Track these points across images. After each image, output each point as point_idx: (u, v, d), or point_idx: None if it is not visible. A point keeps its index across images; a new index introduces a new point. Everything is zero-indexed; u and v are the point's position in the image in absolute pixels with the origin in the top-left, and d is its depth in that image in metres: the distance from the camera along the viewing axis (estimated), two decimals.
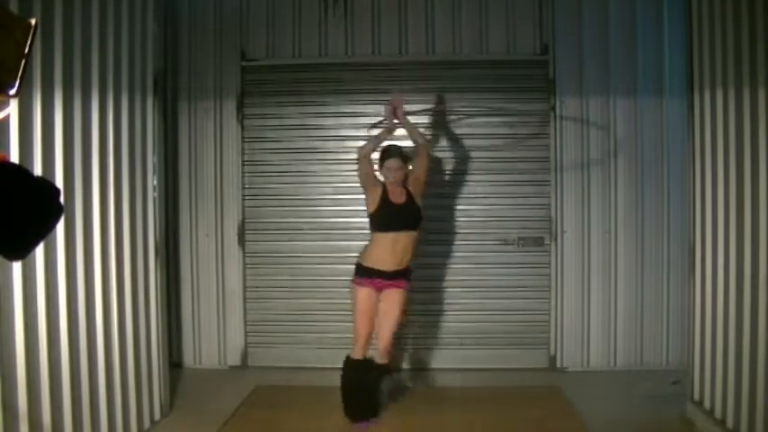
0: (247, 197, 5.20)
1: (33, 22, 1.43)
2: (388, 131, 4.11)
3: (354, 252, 5.13)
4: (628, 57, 4.96)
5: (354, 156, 5.08)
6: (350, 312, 3.99)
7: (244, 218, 5.19)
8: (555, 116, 5.01)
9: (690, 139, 4.03)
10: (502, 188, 5.07)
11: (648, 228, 5.00)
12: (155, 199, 3.98)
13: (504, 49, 5.06)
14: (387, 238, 3.88)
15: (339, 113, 5.16)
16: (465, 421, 4.02)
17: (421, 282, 5.03)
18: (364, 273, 3.92)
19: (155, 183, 3.98)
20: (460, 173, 5.06)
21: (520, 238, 5.08)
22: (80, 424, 3.19)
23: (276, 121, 5.18)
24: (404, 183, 3.95)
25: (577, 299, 5.04)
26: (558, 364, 5.05)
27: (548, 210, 5.06)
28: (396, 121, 4.08)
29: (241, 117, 5.16)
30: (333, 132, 5.17)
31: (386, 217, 3.90)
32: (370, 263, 3.91)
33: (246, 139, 5.18)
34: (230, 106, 5.15)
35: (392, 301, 3.91)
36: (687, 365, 4.04)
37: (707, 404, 3.77)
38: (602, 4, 4.98)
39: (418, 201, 3.96)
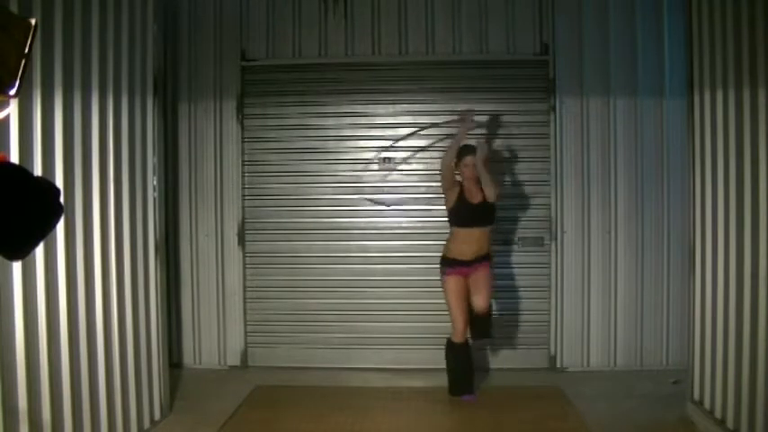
0: (247, 197, 5.20)
1: (33, 22, 1.42)
2: (460, 139, 4.36)
3: (354, 252, 5.18)
4: (628, 56, 4.96)
5: (354, 156, 5.16)
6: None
7: (244, 218, 5.19)
8: (555, 116, 5.02)
9: (690, 139, 4.03)
10: (502, 188, 5.06)
11: (648, 228, 4.99)
12: (155, 199, 3.98)
13: (504, 49, 5.06)
14: (463, 232, 4.30)
15: (339, 113, 5.16)
16: (465, 421, 4.02)
17: (421, 282, 5.06)
18: (449, 264, 4.32)
19: (155, 183, 3.98)
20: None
21: (520, 238, 5.08)
22: (80, 424, 3.19)
23: (276, 121, 5.18)
24: (478, 181, 4.28)
25: (577, 299, 5.04)
26: (558, 364, 5.05)
27: (548, 210, 5.06)
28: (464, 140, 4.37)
29: (241, 117, 5.16)
30: (333, 132, 5.17)
31: (462, 215, 4.30)
32: (453, 255, 4.31)
33: (246, 139, 5.18)
34: (230, 106, 5.15)
35: (479, 278, 4.29)
36: (687, 365, 4.04)
37: (707, 404, 3.77)
38: (603, 3, 4.97)
39: (491, 200, 4.29)
